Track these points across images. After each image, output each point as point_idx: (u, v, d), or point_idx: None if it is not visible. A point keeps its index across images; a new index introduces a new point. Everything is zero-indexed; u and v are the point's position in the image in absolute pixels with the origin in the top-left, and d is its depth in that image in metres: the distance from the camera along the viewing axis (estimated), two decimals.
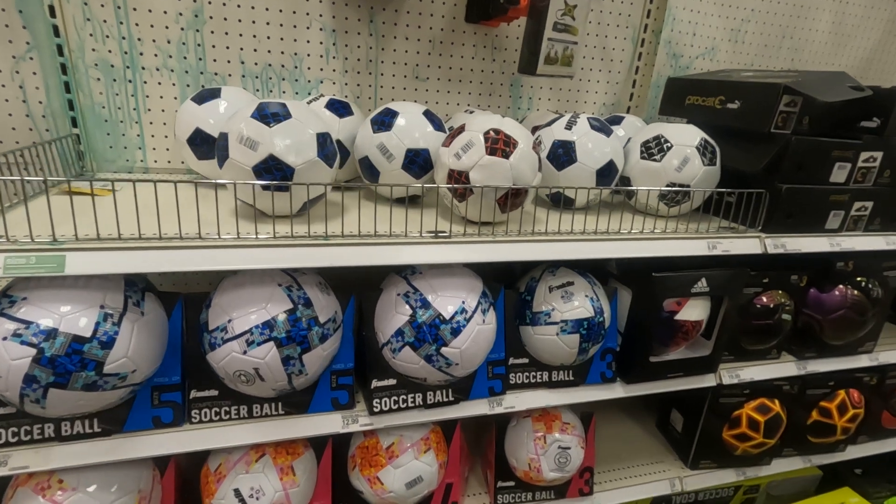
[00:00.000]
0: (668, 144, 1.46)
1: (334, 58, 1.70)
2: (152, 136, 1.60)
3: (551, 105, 2.03)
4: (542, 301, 1.48)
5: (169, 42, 1.53)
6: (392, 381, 1.37)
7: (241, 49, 1.60)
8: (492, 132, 1.22)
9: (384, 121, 1.36)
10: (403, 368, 1.33)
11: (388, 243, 1.19)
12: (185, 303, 1.23)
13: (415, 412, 1.40)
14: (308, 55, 1.67)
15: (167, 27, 1.51)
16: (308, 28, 1.64)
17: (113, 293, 1.07)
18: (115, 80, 1.52)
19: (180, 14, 1.51)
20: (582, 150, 1.43)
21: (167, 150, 1.63)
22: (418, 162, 1.36)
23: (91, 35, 1.46)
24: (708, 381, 1.72)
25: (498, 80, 1.92)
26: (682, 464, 1.96)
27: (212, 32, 1.55)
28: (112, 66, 1.50)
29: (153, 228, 1.07)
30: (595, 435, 1.74)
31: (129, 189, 1.29)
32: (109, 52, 1.49)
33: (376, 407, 1.35)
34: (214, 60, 1.58)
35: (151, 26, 1.50)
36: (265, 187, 1.11)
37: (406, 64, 1.78)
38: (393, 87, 1.80)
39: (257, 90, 1.65)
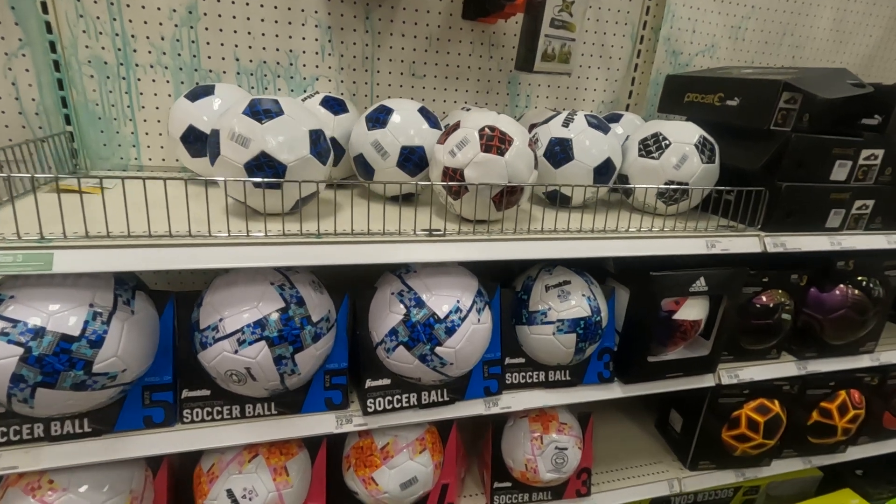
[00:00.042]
0: (667, 142, 1.45)
1: (330, 55, 1.68)
2: (146, 133, 1.59)
3: (549, 103, 2.02)
4: (538, 300, 1.46)
5: (163, 39, 1.52)
6: (386, 381, 1.36)
7: (236, 46, 1.58)
8: (487, 129, 1.21)
9: (379, 118, 1.35)
10: (398, 368, 1.31)
11: (382, 241, 1.17)
12: (176, 301, 1.22)
13: (409, 412, 1.39)
14: (303, 52, 1.65)
15: (161, 24, 1.50)
16: (303, 25, 1.62)
17: (102, 292, 1.06)
18: (108, 77, 1.51)
19: (174, 10, 1.50)
20: (579, 148, 1.41)
21: (161, 147, 1.61)
22: (413, 159, 1.34)
23: (84, 31, 1.45)
24: (707, 381, 1.70)
25: (496, 77, 1.90)
26: (681, 465, 1.95)
27: (206, 29, 1.54)
28: (105, 62, 1.49)
29: (143, 226, 1.05)
30: (593, 435, 1.73)
31: (120, 187, 1.27)
32: (103, 48, 1.48)
33: (370, 407, 1.34)
34: (209, 57, 1.57)
35: (145, 23, 1.49)
36: (256, 184, 1.10)
37: (403, 61, 1.77)
38: (389, 85, 1.78)
39: (252, 87, 1.64)
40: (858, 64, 2.47)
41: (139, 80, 1.53)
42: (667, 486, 1.85)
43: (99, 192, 1.26)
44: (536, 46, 1.54)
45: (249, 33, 1.58)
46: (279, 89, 1.67)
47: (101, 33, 1.46)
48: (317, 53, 1.67)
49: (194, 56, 1.56)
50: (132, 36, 1.49)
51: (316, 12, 1.62)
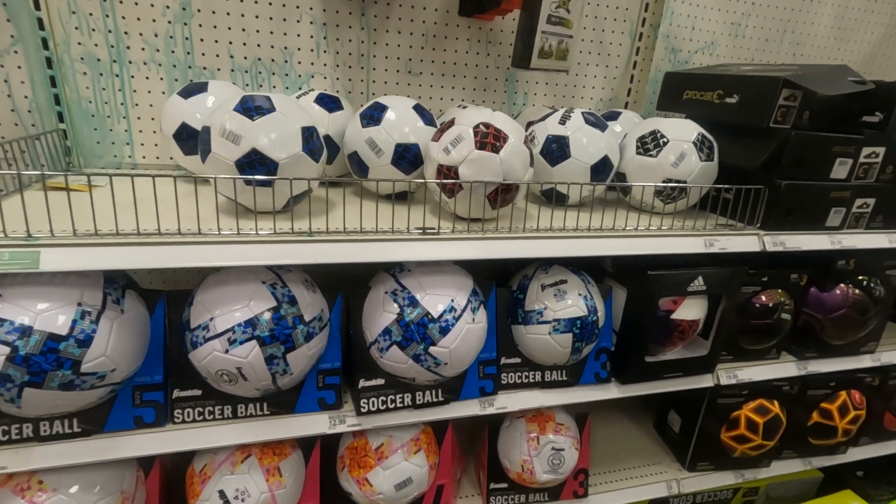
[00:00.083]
0: (665, 139, 1.43)
1: (325, 52, 1.67)
2: (140, 131, 1.57)
3: (547, 100, 2.00)
4: (534, 299, 1.45)
5: (156, 35, 1.50)
6: (380, 381, 1.34)
7: (230, 43, 1.57)
8: (482, 126, 1.19)
9: (373, 115, 1.33)
10: (391, 368, 1.30)
11: (376, 240, 1.16)
12: (167, 300, 1.21)
13: (403, 413, 1.38)
14: (298, 49, 1.64)
15: (154, 20, 1.49)
16: (298, 21, 1.61)
17: (91, 290, 1.05)
18: (101, 75, 1.49)
19: (167, 7, 1.48)
20: (576, 146, 1.40)
21: (155, 145, 1.60)
22: (408, 157, 1.33)
23: (77, 28, 1.44)
24: (705, 381, 1.69)
25: (493, 74, 1.88)
26: (680, 465, 1.93)
27: (200, 26, 1.53)
28: (98, 59, 1.48)
29: (133, 224, 1.04)
30: (590, 436, 1.71)
31: (109, 185, 1.26)
32: (95, 45, 1.47)
33: (364, 407, 1.33)
34: (203, 54, 1.56)
35: (138, 19, 1.48)
36: (248, 182, 1.09)
37: (399, 58, 1.75)
38: (385, 82, 1.77)
39: (247, 85, 1.63)
40: (860, 61, 2.45)
41: (132, 77, 1.52)
42: (665, 488, 1.84)
43: (87, 190, 1.25)
44: (533, 43, 1.52)
45: (243, 30, 1.57)
46: (274, 87, 1.65)
47: (93, 30, 1.45)
48: (312, 51, 1.65)
49: (188, 53, 1.54)
50: (125, 33, 1.48)
51: (311, 9, 1.61)
